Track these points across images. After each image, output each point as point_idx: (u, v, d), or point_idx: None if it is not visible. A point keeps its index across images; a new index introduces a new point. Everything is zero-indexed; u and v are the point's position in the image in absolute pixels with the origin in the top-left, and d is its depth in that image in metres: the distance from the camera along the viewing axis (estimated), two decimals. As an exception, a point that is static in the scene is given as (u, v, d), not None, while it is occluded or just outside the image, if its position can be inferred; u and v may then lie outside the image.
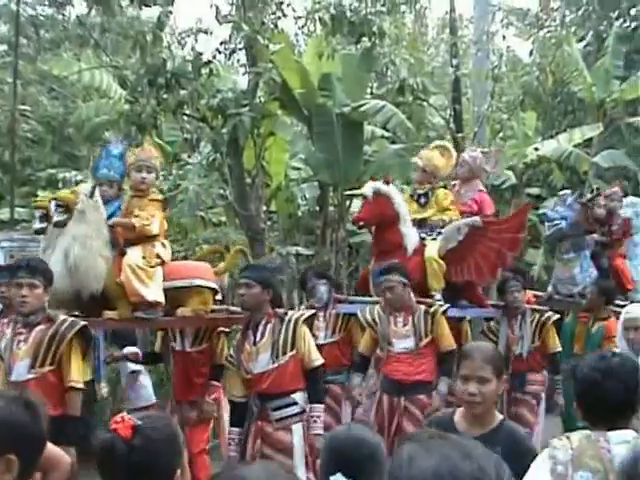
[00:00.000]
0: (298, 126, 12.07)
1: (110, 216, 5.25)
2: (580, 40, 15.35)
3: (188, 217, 10.20)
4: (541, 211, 8.52)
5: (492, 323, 6.84)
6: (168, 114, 9.40)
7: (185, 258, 8.71)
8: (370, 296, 6.29)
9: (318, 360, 4.89)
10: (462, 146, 10.92)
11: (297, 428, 4.83)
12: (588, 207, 7.32)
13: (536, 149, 12.22)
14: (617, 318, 5.64)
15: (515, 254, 6.75)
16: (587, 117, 14.26)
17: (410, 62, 10.98)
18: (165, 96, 8.91)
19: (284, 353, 4.78)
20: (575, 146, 12.36)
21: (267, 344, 4.80)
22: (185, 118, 9.96)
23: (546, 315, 6.66)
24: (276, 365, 4.80)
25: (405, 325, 5.66)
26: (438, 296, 6.24)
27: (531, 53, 12.59)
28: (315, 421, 4.80)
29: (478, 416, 2.93)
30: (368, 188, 6.30)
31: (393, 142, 11.66)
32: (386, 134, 11.30)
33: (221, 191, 10.21)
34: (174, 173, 10.71)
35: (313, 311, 5.46)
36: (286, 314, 4.94)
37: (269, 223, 11.36)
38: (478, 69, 11.47)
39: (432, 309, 5.80)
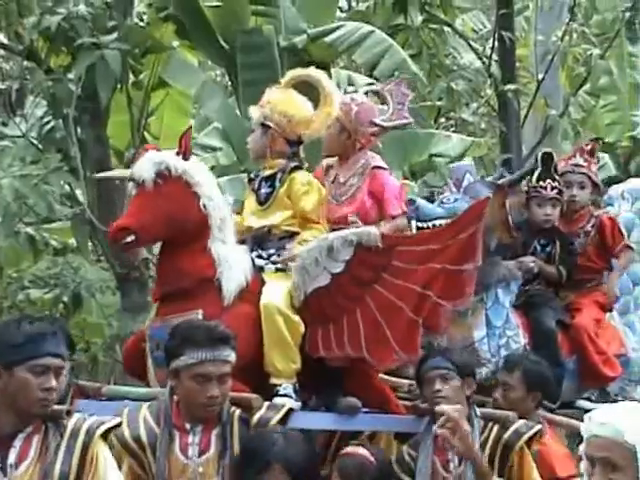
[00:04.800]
0: (213, 70, 12.41)
1: None
2: None
3: (2, 238, 10.01)
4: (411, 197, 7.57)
5: (405, 447, 6.09)
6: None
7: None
8: (146, 383, 5.91)
9: None
10: (514, 108, 11.05)
11: None
12: (506, 194, 6.69)
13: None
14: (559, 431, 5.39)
15: (460, 304, 6.11)
16: None
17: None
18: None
19: None
20: None
21: (33, 473, 4.41)
22: (-2, 52, 10.31)
23: (514, 428, 5.83)
24: None
25: (204, 453, 5.27)
26: (286, 387, 5.80)
27: None
28: None
29: None
30: (146, 164, 5.77)
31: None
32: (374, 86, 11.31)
33: (67, 188, 10.17)
34: (-25, 154, 10.51)
35: (119, 419, 5.20)
36: (68, 413, 4.57)
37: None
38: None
39: (255, 417, 5.45)
